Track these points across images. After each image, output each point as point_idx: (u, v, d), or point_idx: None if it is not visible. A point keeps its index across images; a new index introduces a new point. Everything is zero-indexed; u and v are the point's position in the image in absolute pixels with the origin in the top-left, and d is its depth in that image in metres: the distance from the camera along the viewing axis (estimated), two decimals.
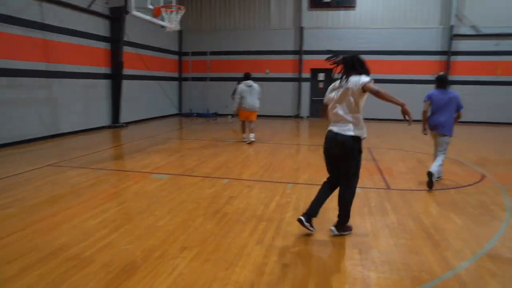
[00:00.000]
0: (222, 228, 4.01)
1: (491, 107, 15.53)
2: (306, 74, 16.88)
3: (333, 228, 3.91)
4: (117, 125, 12.76)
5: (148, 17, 8.06)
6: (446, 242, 3.76)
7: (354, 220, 4.31)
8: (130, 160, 7.54)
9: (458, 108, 5.92)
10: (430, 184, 5.59)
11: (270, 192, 5.38)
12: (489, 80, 15.58)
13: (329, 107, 3.78)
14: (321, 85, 16.95)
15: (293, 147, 9.48)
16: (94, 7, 11.61)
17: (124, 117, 13.21)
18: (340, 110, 3.65)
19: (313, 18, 16.60)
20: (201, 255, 3.36)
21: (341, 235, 3.88)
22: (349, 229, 3.95)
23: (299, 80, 16.91)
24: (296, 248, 3.57)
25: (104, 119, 12.60)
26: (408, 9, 15.85)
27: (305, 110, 17.17)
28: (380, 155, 8.40)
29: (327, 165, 3.94)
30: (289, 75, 17.06)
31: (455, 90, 15.13)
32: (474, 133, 12.83)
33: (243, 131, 9.91)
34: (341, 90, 3.69)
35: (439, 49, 15.78)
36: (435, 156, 6.09)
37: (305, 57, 16.74)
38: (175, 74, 17.82)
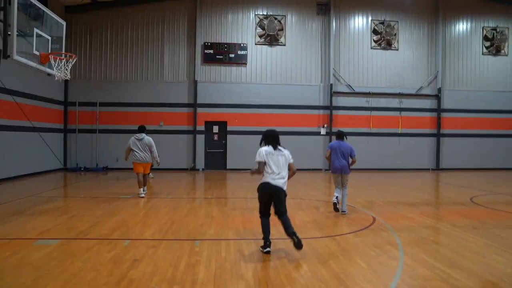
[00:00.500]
0: None
1: (369, 155, 17.52)
2: (201, 127, 17.03)
3: (298, 244, 4.81)
4: None
5: (33, 64, 7.33)
6: (357, 286, 3.91)
7: (268, 273, 4.25)
8: (5, 225, 6.41)
9: (352, 155, 7.75)
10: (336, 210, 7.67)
11: (177, 251, 5.04)
12: (364, 131, 17.70)
13: (273, 165, 5.05)
14: (216, 137, 17.21)
15: (194, 201, 9.21)
16: None
17: None
18: (284, 171, 5.12)
19: (206, 72, 17.12)
20: None
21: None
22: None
23: (194, 132, 16.94)
24: None
25: None
26: (294, 68, 17.48)
27: (200, 163, 17.09)
28: None
29: (265, 205, 5.19)
30: (184, 127, 17.00)
31: (333, 141, 16.68)
32: (357, 179, 14.15)
33: (140, 184, 9.42)
34: (281, 157, 5.14)
35: (322, 104, 17.53)
36: (336, 189, 7.82)
37: (200, 110, 16.96)
38: (60, 125, 16.34)
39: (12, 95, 12.51)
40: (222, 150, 17.18)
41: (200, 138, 17.08)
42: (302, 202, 9.16)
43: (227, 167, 17.09)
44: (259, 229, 6.32)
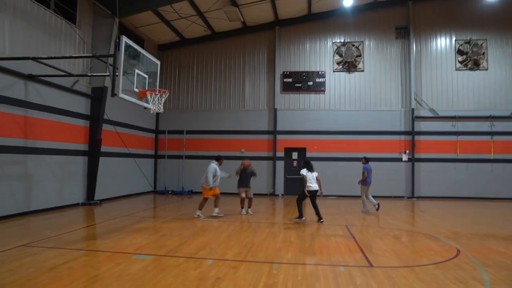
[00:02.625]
0: None
1: (454, 183, 16.47)
2: (280, 153, 17.46)
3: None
4: (91, 202, 12.49)
5: (134, 100, 8.41)
6: None
7: None
8: (108, 240, 7.33)
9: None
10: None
11: (256, 272, 5.35)
12: (450, 157, 16.67)
13: (310, 179, 9.99)
14: (295, 163, 17.48)
15: (273, 226, 9.51)
16: (77, 87, 12.03)
17: (98, 194, 12.99)
18: (316, 181, 10.04)
19: (286, 100, 17.68)
20: None
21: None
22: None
23: (273, 159, 17.42)
24: None
25: (78, 196, 12.34)
26: (373, 93, 17.27)
27: (280, 188, 17.44)
28: (357, 233, 8.57)
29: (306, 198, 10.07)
30: (264, 154, 17.59)
31: (421, 167, 16.49)
32: (443, 208, 13.36)
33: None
34: (315, 174, 10.11)
35: (402, 129, 16.97)
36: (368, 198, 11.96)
37: (279, 137, 17.46)
38: (151, 152, 17.99)
39: (114, 125, 14.22)
40: (301, 176, 17.31)
41: (280, 164, 17.50)
42: (381, 230, 8.97)
43: None
44: (336, 256, 6.44)
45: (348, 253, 6.63)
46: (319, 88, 17.39)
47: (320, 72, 17.45)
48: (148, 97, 8.87)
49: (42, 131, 10.63)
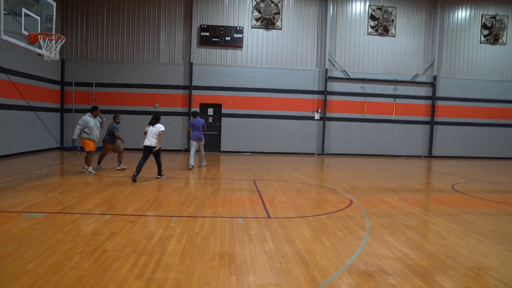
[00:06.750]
0: (101, 266, 3.85)
1: (362, 141, 17.81)
2: (196, 109, 17.18)
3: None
4: None
5: (22, 44, 7.49)
6: (315, 262, 4.18)
7: (234, 248, 4.53)
8: None
9: (203, 126, 11.69)
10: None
11: (154, 226, 5.33)
12: (358, 117, 17.86)
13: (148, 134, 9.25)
14: (210, 119, 17.39)
15: (181, 181, 9.48)
16: None
17: None
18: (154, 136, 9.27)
19: (202, 55, 17.20)
20: None
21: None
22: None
23: (188, 114, 17.11)
24: (175, 280, 3.60)
25: None
26: (289, 52, 17.51)
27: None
28: (263, 187, 8.91)
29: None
30: (179, 109, 17.19)
31: (332, 125, 16.95)
32: (348, 164, 14.42)
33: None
34: (156, 129, 9.33)
35: (316, 88, 17.63)
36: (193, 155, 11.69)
37: (195, 92, 17.11)
38: (57, 105, 16.56)
39: (8, 73, 12.70)
40: (216, 133, 17.39)
41: None
42: (286, 184, 9.42)
43: (221, 149, 17.34)
44: (237, 209, 6.63)
45: (250, 206, 6.88)
46: (236, 44, 17.15)
47: (238, 28, 17.15)
48: (41, 42, 7.98)
49: None
